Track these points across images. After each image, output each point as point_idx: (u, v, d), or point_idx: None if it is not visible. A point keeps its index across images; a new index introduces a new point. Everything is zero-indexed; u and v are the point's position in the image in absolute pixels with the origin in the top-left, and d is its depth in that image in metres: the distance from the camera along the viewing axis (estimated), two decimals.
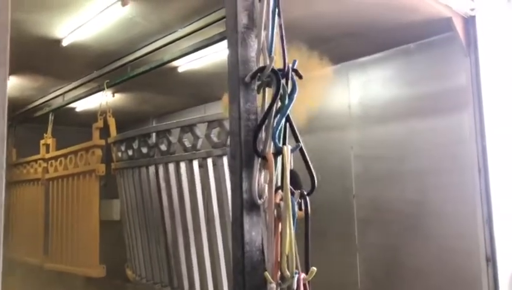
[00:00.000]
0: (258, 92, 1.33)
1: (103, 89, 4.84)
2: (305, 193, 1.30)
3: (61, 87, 5.50)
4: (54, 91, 5.69)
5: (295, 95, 1.31)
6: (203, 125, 3.39)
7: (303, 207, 1.30)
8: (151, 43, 3.95)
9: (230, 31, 1.30)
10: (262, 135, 1.28)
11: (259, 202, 1.25)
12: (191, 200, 3.38)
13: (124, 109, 6.44)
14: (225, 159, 3.13)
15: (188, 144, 3.47)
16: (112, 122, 4.82)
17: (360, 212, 4.72)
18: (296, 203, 1.27)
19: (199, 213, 3.35)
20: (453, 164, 4.03)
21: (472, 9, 3.77)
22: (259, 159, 1.26)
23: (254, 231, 1.25)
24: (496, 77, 3.82)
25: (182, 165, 3.52)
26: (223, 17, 3.46)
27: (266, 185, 1.28)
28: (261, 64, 1.31)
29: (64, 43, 3.94)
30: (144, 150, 3.85)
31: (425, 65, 4.30)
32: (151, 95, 6.07)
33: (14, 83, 5.14)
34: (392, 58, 4.57)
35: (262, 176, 1.28)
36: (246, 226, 1.23)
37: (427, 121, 4.25)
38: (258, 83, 1.33)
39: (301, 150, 1.33)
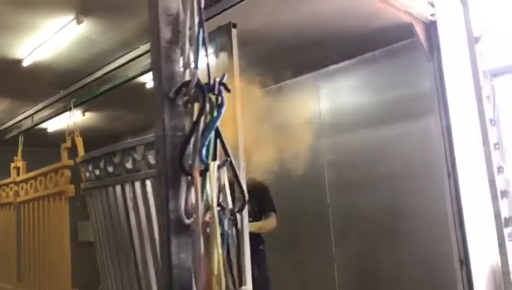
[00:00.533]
0: (186, 108, 1.29)
1: (70, 109, 4.76)
2: (235, 210, 1.26)
3: (29, 109, 5.41)
4: (23, 112, 5.59)
5: (223, 110, 1.27)
6: None
7: (237, 224, 1.25)
8: (114, 60, 3.90)
9: (153, 47, 1.26)
10: (190, 151, 1.24)
11: (188, 222, 1.20)
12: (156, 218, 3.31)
13: (97, 127, 6.37)
14: None
15: (152, 161, 3.41)
16: (79, 142, 4.73)
17: (335, 221, 4.69)
18: (226, 220, 1.23)
19: None
20: (424, 169, 4.04)
21: (432, 15, 3.80)
22: (187, 177, 1.22)
23: (183, 253, 1.19)
24: (461, 81, 3.84)
25: (148, 183, 3.44)
26: None
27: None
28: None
29: (25, 63, 3.87)
30: (110, 169, 3.77)
31: (390, 72, 4.33)
32: (122, 112, 6.01)
33: None
34: (359, 66, 4.60)
35: (193, 195, 1.23)
36: (174, 248, 1.18)
37: (396, 127, 4.27)
38: (185, 98, 1.29)
39: (231, 165, 1.29)
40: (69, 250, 4.64)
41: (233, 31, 2.97)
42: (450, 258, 3.65)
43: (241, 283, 1.24)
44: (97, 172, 4.02)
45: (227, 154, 1.29)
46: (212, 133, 1.27)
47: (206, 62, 1.28)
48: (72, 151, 4.89)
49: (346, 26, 3.79)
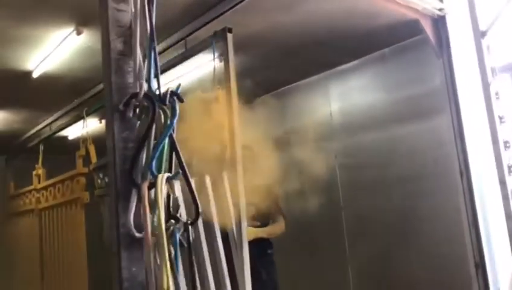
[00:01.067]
0: (140, 119, 1.28)
1: (83, 117, 4.86)
2: (188, 222, 1.23)
3: (47, 118, 5.57)
4: (41, 122, 5.76)
5: (175, 120, 1.25)
6: None
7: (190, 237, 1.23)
8: None
9: (103, 59, 1.25)
10: (142, 164, 1.23)
11: (138, 235, 1.18)
12: None
13: None
14: None
15: None
16: (91, 149, 4.83)
17: (349, 224, 4.60)
18: (178, 233, 1.20)
19: None
20: (436, 169, 3.91)
21: (440, 10, 3.67)
22: (138, 190, 1.20)
23: (135, 267, 1.18)
24: (471, 77, 3.69)
25: None
26: (181, 39, 3.50)
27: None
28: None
29: (35, 75, 3.98)
30: None
31: (400, 70, 4.21)
32: None
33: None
34: (368, 64, 4.49)
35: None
36: (124, 262, 1.16)
37: (407, 126, 4.15)
38: (138, 110, 1.28)
39: (186, 177, 1.26)
40: (85, 254, 4.73)
41: (229, 36, 2.94)
42: (465, 260, 3.52)
43: None
44: (107, 179, 4.09)
45: (181, 166, 1.27)
46: (166, 145, 1.25)
47: (157, 73, 1.26)
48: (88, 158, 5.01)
49: (349, 25, 3.71)
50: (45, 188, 5.65)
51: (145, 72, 1.28)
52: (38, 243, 5.83)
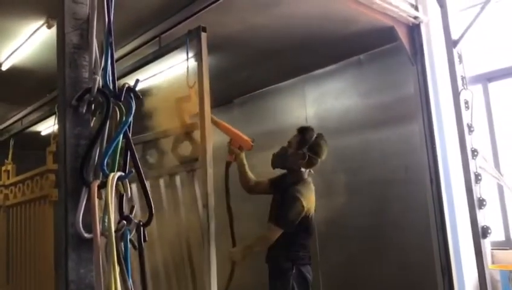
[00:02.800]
0: (94, 115, 1.24)
1: (55, 113, 4.75)
2: (141, 224, 1.20)
3: (18, 113, 5.43)
4: (12, 116, 5.61)
5: (130, 117, 1.21)
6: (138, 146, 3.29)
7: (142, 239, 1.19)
8: None
9: (58, 52, 1.21)
10: (95, 162, 1.19)
11: (87, 236, 1.14)
12: None
13: None
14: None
15: (152, 160, 3.34)
16: None
17: (320, 227, 4.59)
18: (129, 234, 1.17)
19: None
20: (407, 175, 3.95)
21: (416, 18, 3.71)
22: (88, 189, 1.16)
23: (83, 268, 1.14)
24: (444, 85, 3.74)
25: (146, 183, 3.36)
26: (155, 37, 3.45)
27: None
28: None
29: (4, 67, 3.87)
30: None
31: (375, 75, 4.25)
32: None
33: None
34: (344, 70, 4.52)
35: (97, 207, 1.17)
36: (71, 263, 1.12)
37: (381, 132, 4.18)
38: (94, 105, 1.24)
39: (140, 177, 1.23)
40: (52, 253, 4.62)
41: (203, 35, 2.91)
42: (432, 267, 3.56)
43: None
44: None
45: (136, 165, 1.23)
46: (119, 143, 1.21)
47: (112, 68, 1.23)
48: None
49: (326, 30, 3.72)
50: (14, 184, 5.49)
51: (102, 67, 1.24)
52: (4, 241, 5.67)
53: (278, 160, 3.24)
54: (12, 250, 5.39)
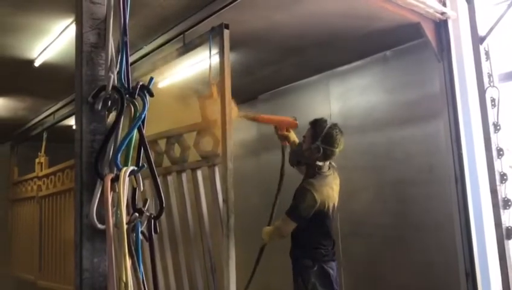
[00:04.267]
0: (110, 112, 1.29)
1: None
2: (152, 216, 1.24)
3: (51, 107, 5.62)
4: (46, 110, 5.82)
5: (144, 115, 1.26)
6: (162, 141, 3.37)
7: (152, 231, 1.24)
8: None
9: (76, 51, 1.27)
10: (109, 156, 1.24)
11: (100, 227, 1.20)
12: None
13: None
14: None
15: (176, 154, 3.41)
16: None
17: (343, 226, 4.58)
18: (140, 226, 1.22)
19: None
20: (431, 174, 3.88)
21: (443, 14, 3.63)
22: (102, 182, 1.22)
23: (97, 257, 1.20)
24: (471, 82, 3.65)
25: (169, 178, 3.44)
26: (180, 34, 3.51)
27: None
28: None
29: (37, 64, 4.03)
30: None
31: (401, 72, 4.18)
32: None
33: (3, 104, 5.29)
34: (370, 66, 4.47)
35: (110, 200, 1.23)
36: (86, 252, 1.18)
37: (405, 130, 4.12)
38: (110, 102, 1.29)
39: (152, 171, 1.27)
40: None
41: (226, 32, 2.95)
42: (455, 269, 3.49)
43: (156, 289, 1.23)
44: None
45: (148, 160, 1.28)
46: (133, 138, 1.26)
47: (127, 67, 1.27)
48: None
49: (350, 26, 3.69)
50: (46, 176, 5.71)
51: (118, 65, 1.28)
52: (37, 231, 5.90)
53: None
54: (45, 239, 5.61)
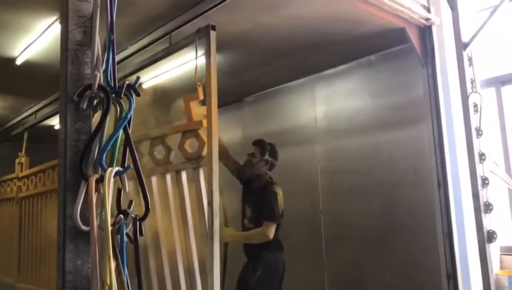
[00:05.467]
0: (95, 111, 1.27)
1: None
2: (138, 218, 1.22)
3: (33, 106, 5.52)
4: (27, 110, 5.71)
5: (130, 115, 1.24)
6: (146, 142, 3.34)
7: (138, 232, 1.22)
8: None
9: (61, 48, 1.24)
10: (94, 156, 1.21)
11: (84, 228, 1.17)
12: None
13: None
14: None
15: (159, 156, 3.37)
16: None
17: (327, 228, 4.60)
18: (126, 228, 1.19)
19: None
20: (415, 177, 3.92)
21: (427, 20, 3.68)
22: (87, 182, 1.19)
23: (80, 260, 1.17)
24: (454, 88, 3.71)
25: (153, 179, 3.40)
26: (166, 34, 3.48)
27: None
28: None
29: (18, 62, 3.95)
30: None
31: (385, 77, 4.22)
32: None
33: None
34: (355, 70, 4.50)
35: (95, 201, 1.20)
36: (69, 254, 1.16)
37: (389, 134, 4.16)
38: (96, 101, 1.27)
39: (138, 172, 1.25)
40: None
41: (212, 33, 2.93)
42: (437, 271, 3.53)
43: None
44: None
45: (134, 161, 1.26)
46: (118, 139, 1.24)
47: (113, 65, 1.25)
48: None
49: (336, 30, 3.71)
50: (27, 176, 5.60)
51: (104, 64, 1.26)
52: (17, 233, 5.78)
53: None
54: (24, 241, 5.49)
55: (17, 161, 5.92)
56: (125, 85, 1.25)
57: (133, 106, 1.25)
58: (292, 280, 4.75)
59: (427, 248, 3.71)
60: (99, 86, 1.21)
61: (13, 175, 5.96)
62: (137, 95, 1.26)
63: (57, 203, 3.88)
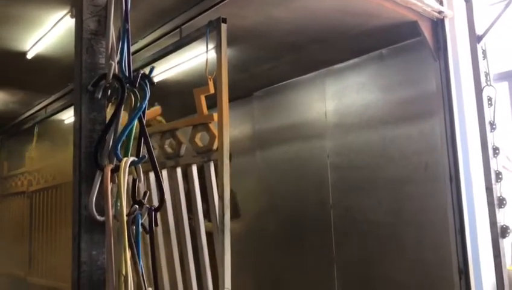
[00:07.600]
0: (110, 101, 1.26)
1: None
2: (153, 208, 1.21)
3: (43, 100, 5.55)
4: (37, 104, 5.74)
5: (145, 104, 1.23)
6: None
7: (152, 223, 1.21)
8: None
9: (76, 38, 1.23)
10: (109, 146, 1.21)
11: (99, 218, 1.17)
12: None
13: None
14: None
15: (170, 150, 3.37)
16: None
17: (337, 223, 4.58)
18: (140, 218, 1.19)
19: None
20: (426, 172, 3.88)
21: (440, 12, 3.63)
22: (102, 172, 1.19)
23: (95, 250, 1.17)
24: (467, 81, 3.66)
25: (164, 172, 3.40)
26: (176, 28, 3.47)
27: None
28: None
29: (29, 56, 3.96)
30: None
31: (397, 70, 4.18)
32: None
33: None
34: (366, 64, 4.46)
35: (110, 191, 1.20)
36: (84, 245, 1.15)
37: (401, 128, 4.12)
38: (110, 91, 1.26)
39: (152, 162, 1.24)
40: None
41: (223, 26, 2.91)
42: (449, 267, 3.50)
43: (156, 283, 1.20)
44: None
45: (149, 151, 1.25)
46: (133, 129, 1.23)
47: (128, 55, 1.24)
48: None
49: (347, 24, 3.68)
50: (37, 170, 5.63)
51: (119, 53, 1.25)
52: (27, 226, 5.83)
53: None
54: (35, 235, 5.53)
55: (27, 154, 5.96)
56: (140, 75, 1.23)
57: (148, 95, 1.24)
58: (302, 274, 4.76)
59: (438, 243, 3.68)
60: (114, 75, 1.20)
61: (23, 169, 6.00)
62: (152, 84, 1.25)
63: (70, 197, 3.91)
